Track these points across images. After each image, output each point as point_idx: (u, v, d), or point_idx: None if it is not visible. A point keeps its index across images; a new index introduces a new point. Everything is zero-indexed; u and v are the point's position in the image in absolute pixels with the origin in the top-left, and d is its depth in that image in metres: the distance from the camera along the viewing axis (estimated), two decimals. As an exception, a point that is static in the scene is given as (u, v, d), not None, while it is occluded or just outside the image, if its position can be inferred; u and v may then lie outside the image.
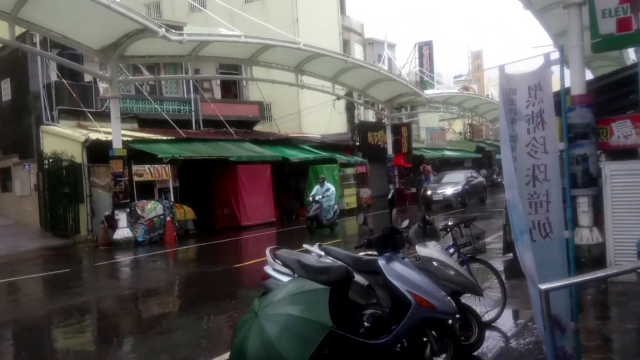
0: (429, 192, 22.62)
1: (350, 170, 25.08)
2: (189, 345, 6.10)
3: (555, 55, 3.58)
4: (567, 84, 7.99)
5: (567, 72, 6.83)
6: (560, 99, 3.76)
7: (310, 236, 14.98)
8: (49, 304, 9.02)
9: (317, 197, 16.50)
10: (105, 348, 6.27)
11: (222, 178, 19.79)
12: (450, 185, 22.59)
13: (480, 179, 25.29)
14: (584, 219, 8.85)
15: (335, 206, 17.11)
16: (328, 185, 17.23)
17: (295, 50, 18.47)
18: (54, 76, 18.82)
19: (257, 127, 26.05)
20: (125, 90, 20.00)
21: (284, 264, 4.88)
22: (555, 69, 3.64)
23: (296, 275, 4.68)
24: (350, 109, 29.31)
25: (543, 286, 2.76)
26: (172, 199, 17.55)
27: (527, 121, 3.59)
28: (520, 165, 3.59)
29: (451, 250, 5.62)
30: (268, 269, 5.00)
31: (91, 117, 18.36)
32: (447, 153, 37.07)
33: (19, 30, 15.25)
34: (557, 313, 3.36)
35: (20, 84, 20.01)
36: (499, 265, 8.37)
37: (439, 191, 22.27)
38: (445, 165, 38.01)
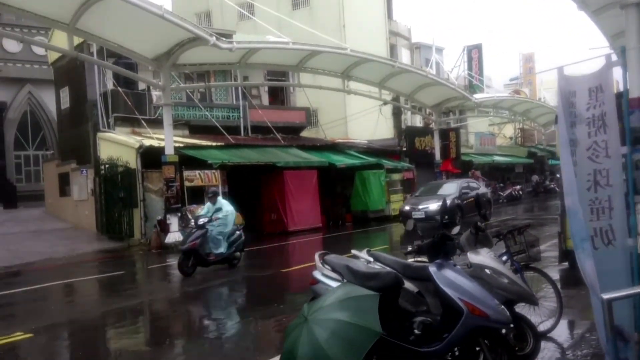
0: (407, 208, 18.26)
1: (397, 176, 24.89)
2: (239, 349, 6.17)
3: (616, 56, 3.44)
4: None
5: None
6: (621, 102, 3.61)
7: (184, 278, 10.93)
8: (104, 305, 9.32)
9: (200, 221, 11.16)
10: (157, 349, 6.41)
11: (270, 183, 20.00)
12: (435, 200, 17.73)
13: (483, 190, 21.02)
14: (646, 226, 8.45)
15: (238, 232, 11.84)
16: (222, 202, 11.77)
17: (342, 55, 18.52)
18: (110, 85, 19.56)
19: (304, 133, 26.20)
20: (177, 98, 20.54)
21: (333, 269, 4.87)
22: (615, 70, 3.50)
23: (345, 280, 4.66)
24: (397, 114, 29.09)
25: (606, 296, 2.65)
26: (221, 204, 17.82)
27: (587, 124, 3.46)
28: (581, 170, 3.46)
29: (504, 258, 5.48)
30: (317, 274, 5.00)
31: (145, 124, 18.94)
32: (497, 158, 36.21)
33: (77, 40, 15.92)
34: (619, 323, 3.21)
35: (79, 92, 20.88)
36: (554, 274, 8.10)
37: (421, 207, 17.78)
38: (495, 170, 37.18)
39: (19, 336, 7.04)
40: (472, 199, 19.35)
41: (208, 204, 11.76)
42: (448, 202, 16.97)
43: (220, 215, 11.38)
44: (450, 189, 19.19)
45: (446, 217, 15.70)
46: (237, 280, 11.01)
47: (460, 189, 19.16)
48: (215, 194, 12.02)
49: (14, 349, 6.71)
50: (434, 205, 17.51)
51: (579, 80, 3.47)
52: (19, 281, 12.17)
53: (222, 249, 11.39)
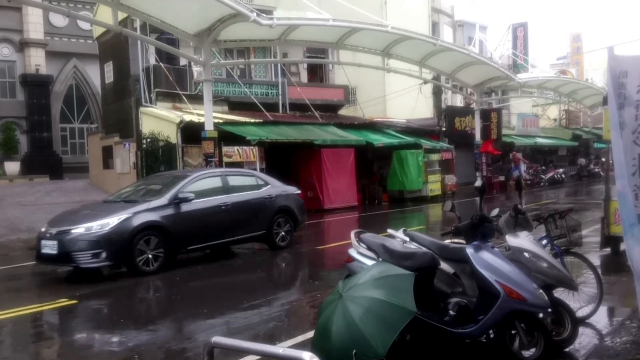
0: (43, 229, 9.40)
1: (435, 157, 24.58)
2: (274, 323, 6.28)
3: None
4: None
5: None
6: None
7: None
8: (145, 275, 9.59)
9: None
10: (192, 319, 6.57)
11: (307, 161, 20.07)
12: (101, 217, 9.09)
13: (276, 190, 11.57)
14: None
15: None
16: None
17: (383, 33, 18.23)
18: (152, 60, 19.86)
19: (342, 111, 26.09)
20: (217, 74, 20.70)
21: (369, 248, 4.89)
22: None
23: (380, 259, 4.68)
24: (437, 93, 28.61)
25: (650, 283, 2.58)
26: (259, 180, 18.01)
27: (636, 107, 3.34)
28: (626, 154, 3.34)
29: (544, 242, 5.38)
30: (352, 252, 5.03)
31: (185, 100, 19.19)
32: (540, 140, 35.29)
33: (121, 15, 16.15)
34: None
35: (122, 67, 21.28)
36: (595, 259, 7.93)
37: (59, 229, 8.99)
38: (538, 153, 36.28)
39: (64, 302, 7.36)
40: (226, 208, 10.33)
41: None
42: (115, 220, 8.82)
43: None
44: (162, 192, 9.89)
45: (104, 256, 8.47)
46: (273, 256, 11.16)
47: (176, 194, 9.71)
48: None
49: (60, 314, 7.01)
50: (79, 230, 8.82)
51: (631, 61, 3.34)
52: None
53: None
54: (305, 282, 8.24)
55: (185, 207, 9.68)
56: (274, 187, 11.58)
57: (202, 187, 10.24)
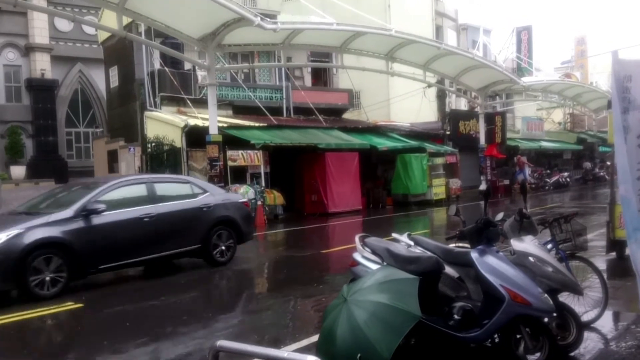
0: None
1: (439, 160, 24.57)
2: (278, 326, 6.28)
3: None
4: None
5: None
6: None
7: None
8: (148, 282, 9.61)
9: None
10: (197, 324, 6.58)
11: (311, 165, 20.10)
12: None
13: (212, 197, 10.09)
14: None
15: None
16: None
17: (386, 37, 18.25)
18: (157, 64, 19.96)
19: (346, 115, 26.13)
20: (221, 78, 20.78)
21: (373, 252, 4.90)
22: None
23: (385, 263, 4.69)
24: (441, 97, 28.63)
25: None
26: (263, 184, 18.08)
27: (641, 111, 3.33)
28: (630, 159, 3.34)
29: (549, 246, 5.38)
30: (357, 256, 5.04)
31: (190, 104, 19.26)
32: (545, 144, 35.22)
33: (126, 20, 16.24)
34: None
35: (127, 71, 21.39)
36: (601, 264, 7.89)
37: None
38: (542, 157, 36.21)
39: (70, 305, 7.38)
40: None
41: None
42: (2, 237, 7.46)
43: None
44: (69, 203, 8.52)
45: None
46: (277, 260, 11.16)
47: (85, 205, 8.35)
48: None
49: (66, 317, 7.03)
50: None
51: (635, 64, 3.33)
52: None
53: None
54: (309, 285, 8.22)
55: (96, 220, 8.32)
56: (214, 196, 10.14)
57: (120, 196, 8.91)
